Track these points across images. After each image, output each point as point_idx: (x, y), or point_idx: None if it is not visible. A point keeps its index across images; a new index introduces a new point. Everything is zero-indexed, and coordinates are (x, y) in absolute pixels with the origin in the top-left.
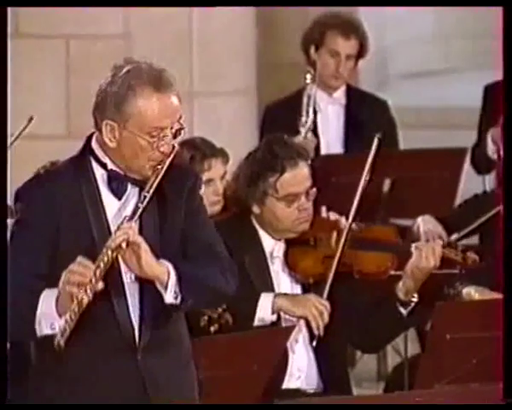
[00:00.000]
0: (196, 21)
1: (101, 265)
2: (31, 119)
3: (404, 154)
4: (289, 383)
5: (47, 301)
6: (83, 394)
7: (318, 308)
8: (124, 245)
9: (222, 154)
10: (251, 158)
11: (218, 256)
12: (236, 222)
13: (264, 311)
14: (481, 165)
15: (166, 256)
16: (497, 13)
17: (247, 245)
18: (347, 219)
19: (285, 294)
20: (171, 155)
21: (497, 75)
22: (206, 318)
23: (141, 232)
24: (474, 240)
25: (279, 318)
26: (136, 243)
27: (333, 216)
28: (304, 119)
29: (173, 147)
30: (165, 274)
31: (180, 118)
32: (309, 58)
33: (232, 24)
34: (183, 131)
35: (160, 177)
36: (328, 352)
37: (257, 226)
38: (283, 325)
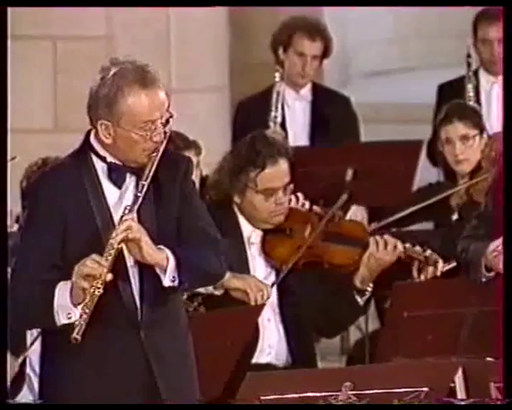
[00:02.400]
0: (173, 24)
1: (109, 258)
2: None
3: (365, 146)
4: (260, 358)
5: (62, 293)
6: (93, 368)
7: (258, 286)
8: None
9: (194, 146)
10: (235, 152)
11: (211, 239)
12: (219, 207)
13: None
14: (436, 157)
15: (163, 240)
16: (453, 14)
17: (227, 229)
18: (312, 205)
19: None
20: (165, 142)
21: (451, 74)
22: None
23: (139, 219)
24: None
25: (226, 292)
26: (137, 238)
27: (307, 206)
28: (273, 114)
29: (165, 134)
30: (165, 260)
31: (168, 107)
32: (278, 58)
33: (206, 26)
34: (171, 119)
35: (155, 164)
36: (296, 330)
37: (237, 213)
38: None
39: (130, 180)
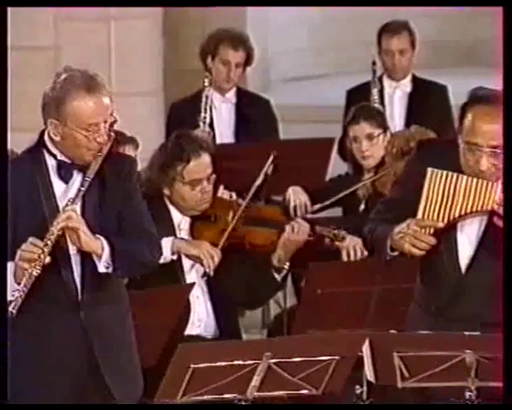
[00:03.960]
0: (114, 35)
1: (49, 243)
2: None
3: (283, 143)
4: (191, 330)
5: (10, 272)
6: (38, 346)
7: (210, 252)
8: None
9: (132, 141)
10: (163, 149)
11: (146, 233)
12: (151, 200)
13: (165, 250)
14: (346, 153)
15: (104, 232)
16: (360, 26)
17: (159, 218)
18: (239, 196)
19: (183, 238)
20: (109, 143)
21: (359, 80)
22: None
23: (83, 209)
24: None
25: (180, 257)
26: (76, 227)
27: (227, 195)
28: (202, 115)
29: (109, 136)
30: (100, 249)
31: (112, 113)
32: (206, 66)
33: (143, 37)
34: (115, 124)
35: (99, 162)
36: (222, 306)
37: (168, 204)
38: (184, 263)
39: (76, 176)
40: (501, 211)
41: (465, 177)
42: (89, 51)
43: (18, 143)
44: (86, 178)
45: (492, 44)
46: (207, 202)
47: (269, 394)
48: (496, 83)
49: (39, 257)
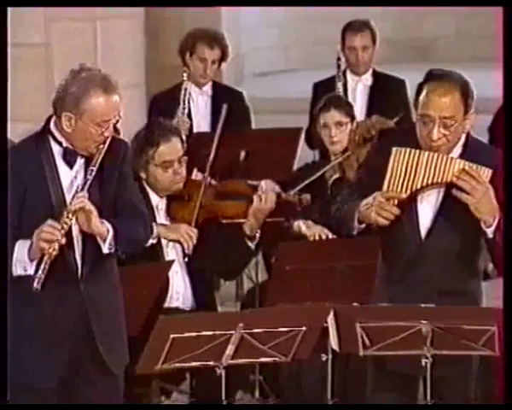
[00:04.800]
0: (100, 33)
1: (65, 226)
2: None
3: (254, 132)
4: (170, 303)
5: (21, 249)
6: (40, 315)
7: (188, 233)
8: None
9: (115, 129)
10: (137, 136)
11: (140, 213)
12: None
13: None
14: (312, 142)
15: (105, 212)
16: (325, 25)
17: None
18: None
19: (163, 224)
20: (111, 136)
21: (325, 74)
22: None
23: (88, 196)
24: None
25: (159, 241)
26: (89, 210)
27: (199, 176)
28: (181, 106)
29: (115, 130)
30: (106, 232)
31: (120, 111)
32: (185, 61)
33: (127, 35)
34: (120, 119)
35: (102, 153)
36: (199, 280)
37: (146, 186)
38: (163, 244)
39: (80, 162)
40: (459, 183)
41: (426, 152)
42: (76, 48)
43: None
44: (91, 168)
45: (445, 42)
46: (180, 182)
47: (242, 361)
48: None
49: (57, 239)
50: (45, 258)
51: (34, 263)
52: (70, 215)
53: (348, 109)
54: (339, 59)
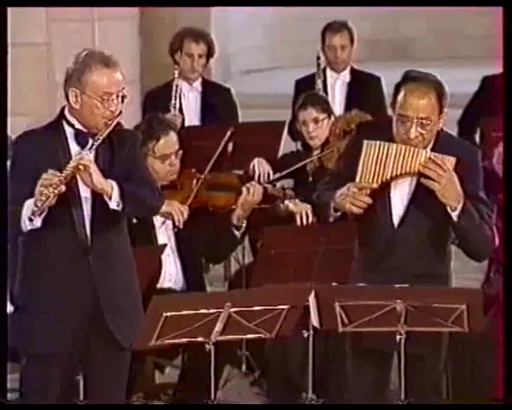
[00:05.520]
0: (97, 33)
1: (64, 174)
2: None
3: (241, 125)
4: (163, 284)
5: (28, 205)
6: (52, 286)
7: (180, 208)
8: (80, 166)
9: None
10: (137, 130)
11: (150, 183)
12: None
13: None
14: (294, 135)
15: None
16: (307, 25)
17: None
18: (203, 170)
19: None
20: (119, 115)
21: (306, 72)
22: None
23: (96, 160)
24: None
25: (152, 221)
26: (87, 165)
27: (193, 169)
28: (173, 101)
29: (119, 111)
30: (110, 188)
31: (123, 88)
32: (175, 60)
33: (122, 35)
34: (125, 99)
35: (110, 128)
36: (190, 262)
37: None
38: (155, 221)
39: (91, 142)
40: (426, 171)
41: (395, 145)
42: (76, 47)
43: (10, 125)
44: (98, 137)
45: (421, 41)
46: (175, 173)
47: (230, 337)
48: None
49: (56, 184)
50: (42, 196)
51: (41, 218)
52: (70, 168)
53: (325, 106)
54: (318, 58)
